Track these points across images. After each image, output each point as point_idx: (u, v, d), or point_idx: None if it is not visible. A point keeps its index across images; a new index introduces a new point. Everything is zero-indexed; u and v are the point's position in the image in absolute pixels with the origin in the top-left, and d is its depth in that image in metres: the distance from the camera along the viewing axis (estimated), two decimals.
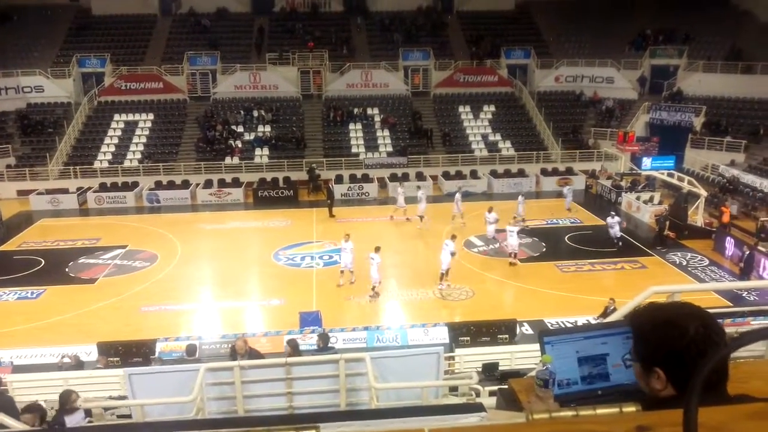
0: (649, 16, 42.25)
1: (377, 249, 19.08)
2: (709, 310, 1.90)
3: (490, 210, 23.69)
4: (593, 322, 13.89)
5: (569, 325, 16.73)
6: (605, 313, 15.69)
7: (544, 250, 23.35)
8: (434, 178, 33.06)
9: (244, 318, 18.46)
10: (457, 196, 26.79)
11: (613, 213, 23.72)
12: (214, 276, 21.80)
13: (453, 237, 20.59)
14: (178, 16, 43.67)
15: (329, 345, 12.05)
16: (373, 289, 18.97)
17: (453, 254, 19.65)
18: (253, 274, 21.80)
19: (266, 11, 44.36)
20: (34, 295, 19.70)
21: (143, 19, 43.39)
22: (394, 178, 32.61)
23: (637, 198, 28.02)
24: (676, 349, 1.71)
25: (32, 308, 18.83)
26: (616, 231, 22.86)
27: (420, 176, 33.08)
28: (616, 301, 15.76)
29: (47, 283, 20.67)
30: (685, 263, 21.61)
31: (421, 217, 25.98)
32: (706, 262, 21.74)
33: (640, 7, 43.11)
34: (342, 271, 19.96)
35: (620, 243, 22.85)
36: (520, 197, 26.99)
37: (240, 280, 21.17)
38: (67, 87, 37.93)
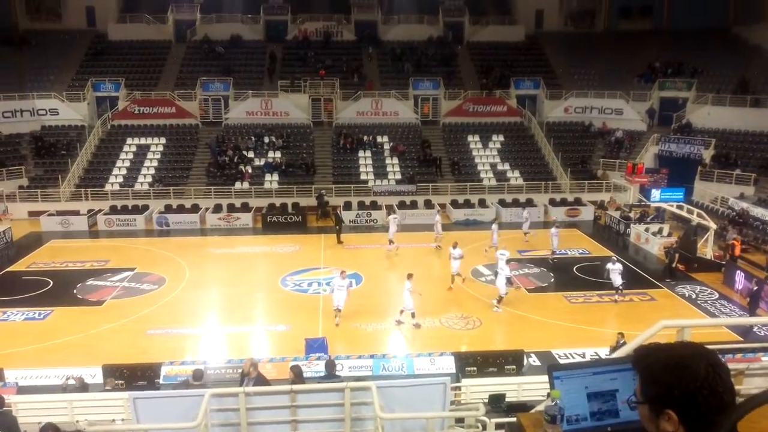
0: (657, 49, 42.68)
1: (410, 276, 18.89)
2: (720, 346, 1.91)
3: (455, 245, 22.03)
4: (603, 357, 13.76)
5: (578, 357, 16.58)
6: (615, 349, 15.53)
7: (552, 280, 23.23)
8: (443, 206, 33.09)
9: (249, 343, 18.39)
10: (494, 227, 26.24)
11: (614, 258, 21.76)
12: (220, 300, 21.78)
13: (508, 261, 21.05)
14: (193, 43, 44.43)
15: (335, 373, 11.97)
16: (413, 316, 18.73)
17: (509, 279, 20.38)
18: (260, 299, 21.77)
19: (279, 39, 45.10)
20: (41, 316, 19.73)
21: (158, 45, 44.20)
22: (402, 205, 32.68)
23: (646, 230, 27.91)
24: (689, 390, 1.72)
25: (39, 329, 18.84)
26: (617, 279, 20.71)
27: (428, 204, 33.14)
28: (625, 335, 15.60)
29: (55, 304, 20.71)
30: (694, 296, 21.41)
31: (391, 241, 26.48)
32: (716, 295, 21.53)
33: (648, 40, 43.56)
34: (338, 310, 18.74)
35: (622, 291, 20.90)
36: (493, 225, 26.36)
37: (247, 304, 21.14)
38: (81, 110, 38.49)
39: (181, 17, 45.39)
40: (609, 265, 21.03)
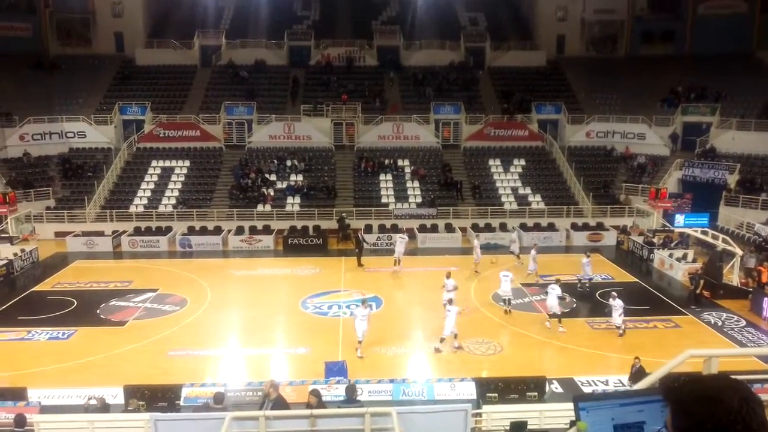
0: (680, 73, 42.50)
1: (450, 301, 18.78)
2: (749, 376, 1.90)
3: (448, 275, 21.84)
4: (628, 386, 13.52)
5: (601, 384, 16.32)
6: (632, 373, 15.30)
7: (575, 306, 22.96)
8: (463, 229, 33.02)
9: (269, 366, 18.38)
10: (533, 252, 25.96)
11: (614, 294, 20.33)
12: (241, 322, 21.87)
13: (557, 281, 21.13)
14: (218, 67, 45.28)
15: (355, 397, 11.92)
16: (455, 337, 18.59)
17: (561, 298, 20.46)
18: (280, 322, 21.81)
19: (302, 64, 45.80)
20: (65, 336, 19.96)
21: (184, 69, 45.12)
22: (423, 228, 32.69)
23: (670, 255, 27.53)
24: (722, 424, 1.71)
25: (62, 349, 19.05)
26: (616, 319, 19.77)
27: (449, 228, 33.09)
28: (641, 359, 15.42)
29: (78, 324, 20.95)
30: (720, 324, 21.00)
31: (397, 261, 26.94)
32: (743, 323, 21.08)
33: (670, 65, 43.42)
34: (360, 341, 18.35)
35: (623, 331, 19.87)
36: (532, 251, 26.07)
37: (267, 327, 21.19)
38: (108, 133, 39.32)
39: (207, 43, 46.36)
40: (611, 300, 20.10)
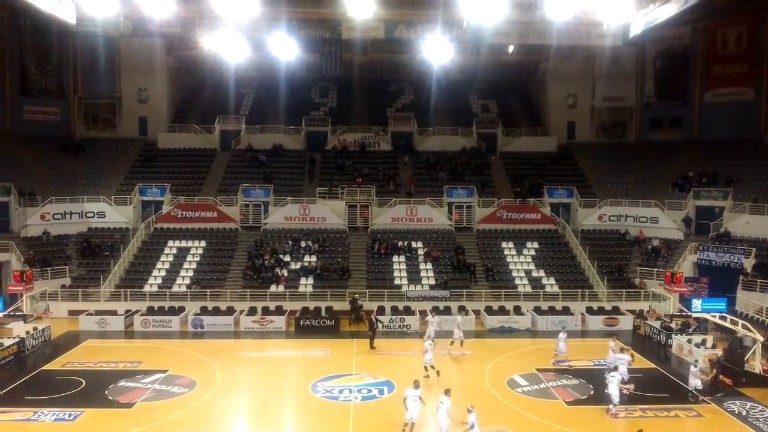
0: (689, 158, 43.10)
1: (447, 392, 17.72)
2: None
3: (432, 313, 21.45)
4: None
5: None
6: None
7: (592, 392, 22.31)
8: (477, 312, 32.67)
9: None
10: (562, 335, 25.60)
11: (611, 366, 20.49)
12: (250, 406, 21.46)
13: (615, 368, 21.07)
14: (236, 151, 46.64)
15: None
16: None
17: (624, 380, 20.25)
18: (290, 406, 21.37)
19: (319, 149, 47.13)
20: (71, 417, 19.63)
21: (204, 153, 46.57)
22: (436, 311, 32.38)
23: (689, 341, 26.94)
24: None
25: (68, 431, 18.72)
26: (614, 392, 19.77)
27: (462, 310, 32.78)
28: None
29: (86, 405, 20.64)
30: (745, 413, 20.23)
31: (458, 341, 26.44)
32: None
33: (680, 150, 44.13)
34: (406, 424, 17.66)
35: (615, 411, 19.61)
36: (561, 333, 25.93)
37: (276, 411, 20.75)
38: (127, 213, 40.16)
39: (227, 127, 48.05)
40: (606, 375, 20.30)
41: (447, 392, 17.57)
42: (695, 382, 21.36)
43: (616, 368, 21.23)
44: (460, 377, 24.15)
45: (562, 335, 25.72)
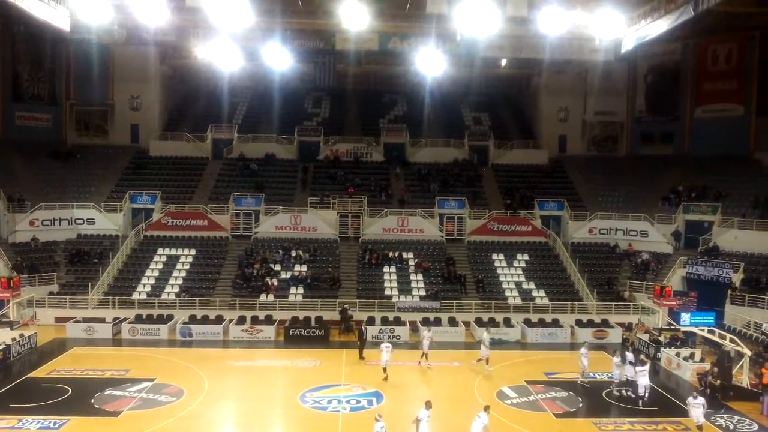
0: (680, 173, 43.45)
1: (428, 404, 17.56)
2: None
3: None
4: None
5: None
6: None
7: (581, 405, 22.32)
8: (467, 324, 32.66)
9: None
10: (583, 350, 24.95)
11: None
12: (237, 416, 21.30)
13: (699, 393, 21.00)
14: (228, 160, 46.57)
15: None
16: None
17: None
18: (278, 416, 21.25)
19: (311, 159, 47.15)
20: (56, 426, 19.39)
21: (196, 161, 46.48)
22: (426, 322, 32.36)
23: (677, 354, 27.03)
24: None
25: None
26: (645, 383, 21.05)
27: (452, 321, 32.75)
28: None
29: (71, 413, 20.41)
30: (732, 427, 20.28)
31: (484, 359, 25.97)
32: (755, 426, 20.37)
33: (671, 165, 44.50)
34: None
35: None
36: (582, 349, 25.10)
37: (264, 421, 20.62)
38: (117, 221, 39.96)
39: (219, 136, 48.01)
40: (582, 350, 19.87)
41: (486, 408, 17.36)
42: (644, 383, 21.93)
43: (643, 363, 22.53)
44: (449, 389, 24.08)
45: (583, 350, 25.02)
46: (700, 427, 19.11)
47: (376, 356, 27.71)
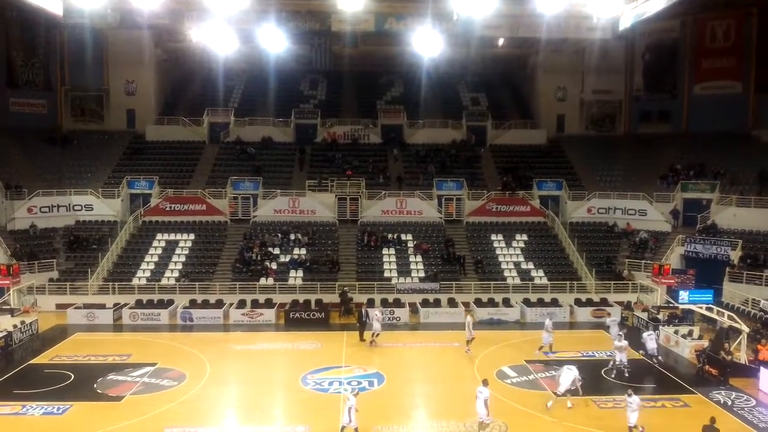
0: (678, 151, 43.40)
1: (485, 382, 17.83)
2: None
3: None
4: None
5: None
6: None
7: (580, 383, 22.44)
8: (466, 304, 32.80)
9: None
10: (548, 322, 25.66)
11: (630, 391, 18.32)
12: (240, 398, 21.45)
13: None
14: (225, 144, 46.40)
15: None
16: (480, 424, 17.57)
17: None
18: (280, 398, 21.40)
19: (309, 141, 46.99)
20: (60, 411, 19.55)
21: (193, 145, 46.30)
22: (426, 303, 32.50)
23: (676, 332, 27.19)
24: None
25: (56, 424, 18.64)
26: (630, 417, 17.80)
27: (452, 302, 32.89)
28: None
29: (74, 398, 20.55)
30: (730, 403, 20.48)
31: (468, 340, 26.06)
32: (753, 402, 20.58)
33: (669, 143, 44.41)
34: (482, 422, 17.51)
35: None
36: (547, 321, 25.96)
37: (266, 403, 20.77)
38: (114, 206, 39.90)
39: (216, 120, 47.78)
40: (627, 398, 18.26)
41: (485, 382, 17.78)
42: (652, 346, 23.83)
43: (656, 328, 24.54)
44: (450, 368, 24.23)
45: (548, 322, 25.83)
46: (651, 357, 22.91)
47: (377, 338, 27.96)
